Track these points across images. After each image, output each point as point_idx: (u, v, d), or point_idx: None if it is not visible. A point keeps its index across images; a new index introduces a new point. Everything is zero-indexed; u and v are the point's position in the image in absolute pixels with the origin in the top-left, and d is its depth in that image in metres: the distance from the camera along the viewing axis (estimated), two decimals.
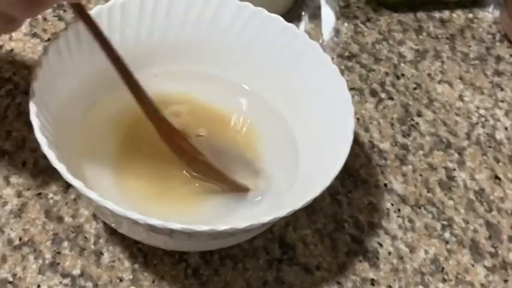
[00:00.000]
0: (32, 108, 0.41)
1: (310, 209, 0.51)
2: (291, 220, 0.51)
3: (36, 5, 0.34)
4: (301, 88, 0.50)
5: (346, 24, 0.66)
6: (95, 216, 0.49)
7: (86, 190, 0.38)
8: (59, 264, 0.46)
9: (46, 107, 0.42)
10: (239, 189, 0.48)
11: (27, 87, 0.53)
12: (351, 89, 0.60)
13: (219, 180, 0.48)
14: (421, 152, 0.58)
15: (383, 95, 0.61)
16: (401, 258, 0.51)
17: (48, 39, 0.58)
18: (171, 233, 0.39)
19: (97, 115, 0.49)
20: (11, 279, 0.45)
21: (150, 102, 0.45)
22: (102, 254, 0.47)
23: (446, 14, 0.70)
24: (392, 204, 0.54)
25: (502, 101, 0.63)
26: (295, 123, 0.51)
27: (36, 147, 0.50)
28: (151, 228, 0.39)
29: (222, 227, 0.38)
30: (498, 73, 0.65)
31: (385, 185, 0.55)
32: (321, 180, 0.42)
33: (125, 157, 0.48)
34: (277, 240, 0.50)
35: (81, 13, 0.40)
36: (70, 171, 0.38)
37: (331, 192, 0.41)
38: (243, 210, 0.47)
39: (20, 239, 0.47)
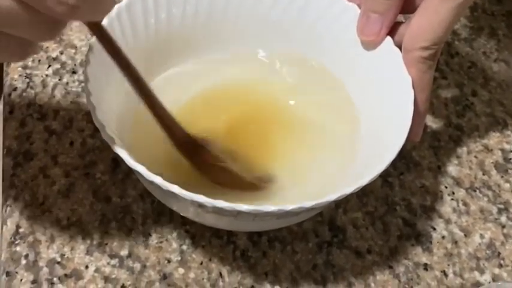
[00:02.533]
0: (88, 92, 0.40)
1: (361, 192, 0.50)
2: (341, 202, 0.50)
3: (53, 28, 0.33)
4: (364, 67, 0.48)
5: None
6: (142, 196, 0.48)
7: (150, 175, 0.37)
8: (106, 244, 0.46)
9: (99, 92, 0.42)
10: (253, 188, 0.46)
11: (74, 67, 0.54)
12: None
13: (237, 185, 0.46)
14: (476, 133, 0.56)
15: (436, 74, 0.59)
16: (455, 242, 0.49)
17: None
18: (237, 214, 0.38)
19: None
20: (59, 259, 0.45)
21: (163, 112, 0.43)
22: (150, 235, 0.47)
23: None
24: (446, 187, 0.52)
25: None
26: (358, 102, 0.49)
27: (84, 127, 0.50)
28: (218, 211, 0.38)
29: (289, 206, 0.37)
30: None
31: (439, 167, 0.53)
32: (377, 163, 0.40)
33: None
34: (326, 222, 0.49)
35: (95, 30, 0.39)
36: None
37: (382, 174, 0.40)
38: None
39: (68, 219, 0.47)
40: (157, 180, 0.37)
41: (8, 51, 0.33)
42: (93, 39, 0.41)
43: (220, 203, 0.37)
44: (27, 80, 0.54)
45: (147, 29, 0.47)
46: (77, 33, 0.57)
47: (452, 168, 0.53)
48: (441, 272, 0.48)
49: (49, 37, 0.33)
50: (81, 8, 0.30)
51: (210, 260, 0.46)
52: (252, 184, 0.46)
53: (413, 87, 0.43)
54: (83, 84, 0.52)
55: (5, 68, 0.55)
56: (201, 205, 0.38)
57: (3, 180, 0.48)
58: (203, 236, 0.47)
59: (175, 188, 0.37)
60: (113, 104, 0.44)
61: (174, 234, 0.47)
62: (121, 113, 0.45)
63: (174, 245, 0.46)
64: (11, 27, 0.31)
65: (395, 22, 0.46)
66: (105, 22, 0.43)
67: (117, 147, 0.38)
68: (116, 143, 0.38)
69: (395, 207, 0.50)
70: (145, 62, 0.45)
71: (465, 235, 0.50)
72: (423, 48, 0.43)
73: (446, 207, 0.51)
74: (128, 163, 0.38)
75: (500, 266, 0.48)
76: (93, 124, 0.49)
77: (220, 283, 0.45)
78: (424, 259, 0.48)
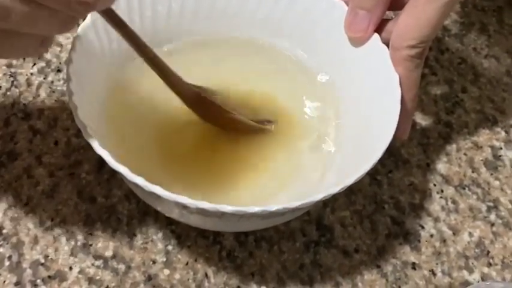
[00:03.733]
0: (70, 92, 0.39)
1: (349, 190, 0.49)
2: (329, 201, 0.49)
3: (71, 21, 0.34)
4: (351, 64, 0.48)
5: None
6: (127, 196, 0.48)
7: (132, 176, 0.37)
8: (91, 245, 0.45)
9: (82, 89, 0.41)
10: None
11: (59, 65, 0.53)
12: None
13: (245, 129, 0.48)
14: (465, 130, 0.56)
15: (426, 71, 0.58)
16: (444, 241, 0.49)
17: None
18: (221, 215, 0.38)
19: (124, 95, 0.48)
20: (42, 260, 0.44)
21: (170, 72, 0.43)
22: (135, 235, 0.46)
23: None
24: (435, 185, 0.52)
25: None
26: (345, 99, 0.49)
27: (69, 126, 0.50)
28: (202, 212, 0.38)
29: (274, 207, 0.37)
30: None
31: (428, 164, 0.53)
32: (363, 162, 0.40)
33: (160, 137, 0.47)
34: (314, 222, 0.48)
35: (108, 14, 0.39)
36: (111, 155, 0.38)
37: (370, 172, 0.39)
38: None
39: (52, 220, 0.46)
40: (139, 181, 0.37)
41: (24, 48, 0.34)
42: (76, 37, 0.41)
43: (204, 204, 0.36)
44: (12, 78, 0.53)
45: (132, 27, 0.47)
46: None
47: (441, 166, 0.53)
48: (429, 271, 0.47)
49: (66, 30, 0.34)
50: (97, 4, 0.31)
51: (195, 260, 0.46)
52: (259, 127, 0.48)
53: (401, 85, 0.43)
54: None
55: None
56: (185, 206, 0.37)
57: None
58: (189, 236, 0.46)
59: (158, 189, 0.37)
60: (96, 101, 0.44)
61: (160, 235, 0.46)
62: (106, 110, 0.45)
63: (160, 245, 0.46)
64: (28, 27, 0.32)
65: (382, 19, 0.45)
66: (88, 20, 0.43)
67: (99, 147, 0.38)
68: (98, 143, 0.38)
69: (383, 205, 0.50)
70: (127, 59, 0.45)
71: (454, 233, 0.49)
72: (410, 47, 0.43)
73: (435, 205, 0.51)
74: (110, 164, 0.37)
75: (490, 264, 0.48)
76: None
77: (206, 284, 0.45)
78: (412, 258, 0.48)
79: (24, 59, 0.54)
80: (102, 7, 0.34)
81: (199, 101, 0.46)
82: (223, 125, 0.47)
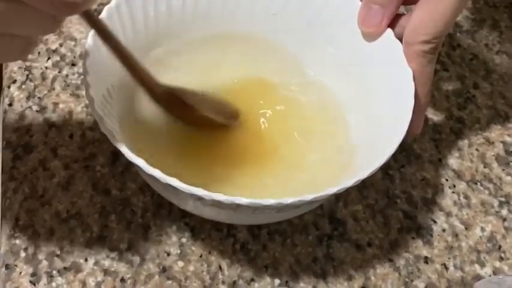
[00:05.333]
0: (87, 84, 0.40)
1: (361, 184, 0.50)
2: (342, 195, 0.50)
3: (56, 22, 0.33)
4: (364, 59, 0.48)
5: None
6: (141, 189, 0.48)
7: (149, 168, 0.37)
8: (106, 237, 0.46)
9: (98, 82, 0.41)
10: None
11: (73, 59, 0.53)
12: None
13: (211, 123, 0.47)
14: (477, 125, 0.56)
15: (438, 67, 0.59)
16: (456, 235, 0.49)
17: (95, 10, 0.58)
18: (236, 207, 0.38)
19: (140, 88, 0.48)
20: (58, 252, 0.45)
21: (138, 67, 0.43)
22: (149, 227, 0.46)
23: None
24: (447, 180, 0.52)
25: None
26: (359, 95, 0.49)
27: (83, 119, 0.50)
28: (217, 204, 0.38)
29: (288, 199, 0.37)
30: None
31: (440, 159, 0.53)
32: (377, 156, 0.40)
33: (175, 131, 0.47)
34: (327, 215, 0.49)
35: (89, 17, 0.39)
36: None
37: (383, 167, 0.39)
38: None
39: (68, 212, 0.46)
40: (156, 173, 0.37)
41: (8, 51, 0.33)
42: (92, 32, 0.41)
43: (219, 196, 0.37)
44: (27, 72, 0.53)
45: (146, 22, 0.47)
46: (76, 25, 0.57)
47: (453, 161, 0.53)
48: (442, 265, 0.47)
49: (51, 31, 0.34)
50: (83, 5, 0.31)
51: (209, 253, 0.46)
52: (224, 123, 0.48)
53: (414, 81, 0.43)
54: (82, 76, 0.52)
55: None
56: (200, 198, 0.38)
57: (2, 173, 0.48)
58: (203, 229, 0.47)
59: (174, 181, 0.37)
60: (112, 95, 0.44)
61: (174, 227, 0.47)
62: (121, 103, 0.45)
63: (174, 238, 0.46)
64: (12, 28, 0.32)
65: (396, 14, 0.46)
66: (104, 14, 0.43)
67: (115, 140, 0.38)
68: (114, 135, 0.38)
69: (395, 200, 0.50)
70: (143, 52, 0.45)
71: (466, 228, 0.50)
72: (424, 42, 0.43)
73: (447, 200, 0.51)
74: (126, 156, 0.37)
75: (501, 259, 0.48)
76: (93, 117, 0.49)
77: (220, 276, 0.45)
78: (425, 252, 0.48)
79: (38, 52, 0.55)
80: (87, 7, 0.33)
81: (170, 99, 0.45)
82: (190, 122, 0.47)
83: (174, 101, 0.45)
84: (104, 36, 0.39)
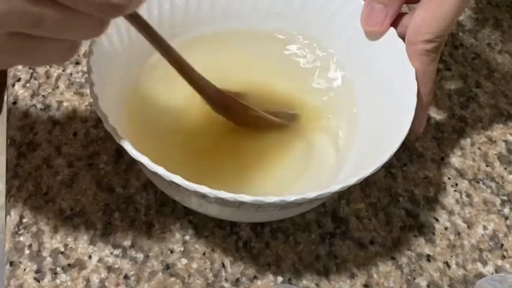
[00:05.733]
0: (91, 82, 0.40)
1: (364, 183, 0.50)
2: (344, 193, 0.50)
3: (101, 25, 0.33)
4: (367, 57, 0.48)
5: None
6: (145, 187, 0.48)
7: (153, 166, 0.37)
8: (110, 234, 0.46)
9: (102, 80, 0.42)
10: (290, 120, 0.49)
11: (77, 58, 0.54)
12: None
13: (268, 124, 0.48)
14: (479, 124, 0.56)
15: (440, 66, 0.59)
16: (458, 234, 0.49)
17: None
18: (239, 205, 0.38)
19: (144, 87, 0.48)
20: (62, 249, 0.45)
21: (193, 72, 0.44)
22: (153, 225, 0.47)
23: None
24: (449, 178, 0.52)
25: None
26: (361, 93, 0.49)
27: (87, 117, 0.50)
28: (221, 201, 0.38)
29: (291, 197, 0.37)
30: None
31: (442, 158, 0.53)
32: (380, 154, 0.40)
33: (179, 129, 0.47)
34: (329, 213, 0.49)
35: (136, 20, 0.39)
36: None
37: (385, 165, 0.39)
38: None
39: (71, 209, 0.47)
40: (160, 171, 0.37)
41: (51, 55, 0.33)
42: None
43: (223, 194, 0.37)
44: (31, 70, 0.54)
45: (150, 20, 0.47)
46: None
47: (455, 160, 0.53)
48: (444, 263, 0.48)
49: (97, 34, 0.33)
50: (129, 6, 0.31)
51: (212, 250, 0.46)
52: (281, 123, 0.49)
53: (417, 80, 0.43)
54: (86, 75, 0.52)
55: None
56: (203, 196, 0.38)
57: (7, 171, 0.48)
58: (206, 227, 0.47)
59: (178, 179, 0.37)
60: (116, 94, 0.44)
61: (177, 225, 0.47)
62: (124, 102, 0.45)
63: (177, 235, 0.46)
64: (58, 33, 0.31)
65: (399, 13, 0.46)
66: None
67: (119, 137, 0.38)
68: (118, 133, 0.38)
69: (398, 198, 0.50)
70: (147, 52, 0.45)
71: (468, 226, 0.50)
72: (427, 41, 0.43)
73: (450, 198, 0.51)
74: (130, 154, 0.38)
75: (503, 257, 0.48)
76: (97, 115, 0.49)
77: (223, 273, 0.45)
78: (427, 250, 0.48)
79: None
80: (133, 8, 0.33)
81: (222, 100, 0.46)
82: (246, 123, 0.48)
83: (228, 102, 0.47)
84: (152, 39, 0.40)
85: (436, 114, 0.56)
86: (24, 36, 0.30)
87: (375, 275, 0.46)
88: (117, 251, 0.45)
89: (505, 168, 0.53)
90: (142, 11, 0.46)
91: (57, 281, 0.43)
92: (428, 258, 0.48)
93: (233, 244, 0.47)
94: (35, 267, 0.44)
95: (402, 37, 0.45)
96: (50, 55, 0.33)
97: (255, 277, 0.45)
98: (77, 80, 0.53)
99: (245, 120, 0.48)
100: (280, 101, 0.50)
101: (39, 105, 0.51)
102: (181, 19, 0.49)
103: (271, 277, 0.45)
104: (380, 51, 0.47)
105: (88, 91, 0.51)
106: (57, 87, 0.53)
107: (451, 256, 0.48)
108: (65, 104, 0.52)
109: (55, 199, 0.47)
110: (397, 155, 0.51)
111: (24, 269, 0.44)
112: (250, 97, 0.49)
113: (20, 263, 0.44)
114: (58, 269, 0.44)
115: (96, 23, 0.32)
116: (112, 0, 0.30)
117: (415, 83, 0.43)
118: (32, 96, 0.52)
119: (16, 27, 0.30)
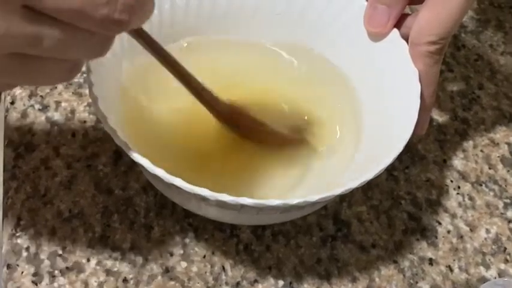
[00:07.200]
0: (90, 83, 0.39)
1: (366, 185, 0.49)
2: (346, 196, 0.49)
3: (105, 44, 0.32)
4: (370, 59, 0.48)
5: None
6: (144, 189, 0.48)
7: (153, 168, 0.37)
8: (108, 237, 0.45)
9: (101, 81, 0.41)
10: (296, 142, 0.48)
11: None
12: None
13: (279, 142, 0.48)
14: (482, 126, 0.55)
15: (443, 67, 0.58)
16: (461, 237, 0.49)
17: None
18: (240, 208, 0.38)
19: (143, 88, 0.48)
20: (60, 252, 0.44)
21: (203, 89, 0.43)
22: (152, 228, 0.46)
23: None
24: (451, 181, 0.52)
25: None
26: (364, 95, 0.49)
27: (86, 118, 0.50)
28: (221, 204, 0.38)
29: (293, 200, 0.37)
30: None
31: (444, 161, 0.53)
32: (382, 157, 0.40)
33: (177, 131, 0.47)
34: (331, 216, 0.48)
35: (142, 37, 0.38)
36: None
37: (387, 168, 0.39)
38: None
39: (70, 211, 0.46)
40: (160, 173, 0.37)
41: (53, 75, 0.32)
42: None
43: (224, 197, 0.36)
44: None
45: (150, 20, 0.47)
46: None
47: (458, 162, 0.53)
48: (446, 267, 0.47)
49: (100, 54, 0.32)
50: (132, 21, 0.30)
51: (213, 253, 0.46)
52: (292, 137, 0.48)
53: (420, 81, 0.43)
54: (85, 75, 0.52)
55: None
56: (204, 198, 0.37)
57: (4, 172, 0.48)
58: (206, 229, 0.46)
59: (178, 181, 0.37)
60: (115, 95, 0.44)
61: (177, 228, 0.46)
62: (124, 103, 0.45)
63: (177, 238, 0.46)
64: (60, 53, 0.30)
65: (402, 14, 0.45)
66: None
67: (119, 139, 0.38)
68: (118, 134, 0.38)
69: (400, 201, 0.50)
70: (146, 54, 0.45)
71: (471, 230, 0.49)
72: (430, 43, 0.43)
73: (452, 201, 0.51)
74: (130, 155, 0.37)
75: (506, 261, 0.48)
76: (95, 115, 0.49)
77: (223, 277, 0.45)
78: (430, 254, 0.48)
79: None
80: (138, 24, 0.32)
81: (234, 116, 0.46)
82: (258, 139, 0.47)
83: (240, 119, 0.46)
84: (157, 55, 0.39)
85: (439, 116, 0.55)
86: (25, 57, 0.29)
87: (377, 279, 0.46)
88: (115, 254, 0.45)
89: (508, 171, 0.53)
90: None
91: (55, 284, 0.43)
92: (431, 261, 0.47)
93: (233, 247, 0.46)
94: (32, 270, 0.43)
95: (405, 38, 0.45)
96: (52, 76, 0.32)
97: (256, 280, 0.45)
98: (75, 80, 0.53)
99: (254, 136, 0.47)
100: (284, 109, 0.50)
101: (37, 106, 0.51)
102: (182, 19, 0.49)
103: (272, 281, 0.45)
104: (383, 52, 0.46)
105: (87, 91, 0.51)
106: (55, 88, 0.52)
107: (454, 260, 0.47)
108: (63, 104, 0.51)
109: (53, 201, 0.46)
110: (399, 157, 0.50)
111: (22, 272, 0.43)
112: (254, 107, 0.48)
113: (18, 265, 0.43)
114: (56, 272, 0.43)
115: (99, 41, 0.31)
116: (114, 16, 0.28)
117: (419, 85, 0.43)
118: (30, 96, 0.51)
119: (15, 48, 0.28)
